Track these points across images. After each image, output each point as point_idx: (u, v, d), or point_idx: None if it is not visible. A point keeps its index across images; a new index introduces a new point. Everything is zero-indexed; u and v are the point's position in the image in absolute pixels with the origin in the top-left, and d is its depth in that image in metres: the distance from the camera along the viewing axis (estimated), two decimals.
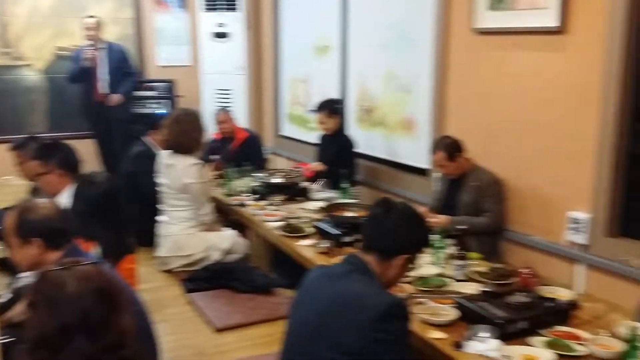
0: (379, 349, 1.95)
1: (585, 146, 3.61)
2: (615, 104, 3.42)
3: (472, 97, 4.41)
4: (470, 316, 2.60)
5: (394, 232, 2.20)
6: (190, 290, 3.91)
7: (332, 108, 5.32)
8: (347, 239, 3.68)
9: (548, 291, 2.91)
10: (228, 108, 6.34)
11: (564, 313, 2.66)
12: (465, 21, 4.34)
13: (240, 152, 5.81)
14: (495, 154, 4.24)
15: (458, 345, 2.41)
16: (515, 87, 4.07)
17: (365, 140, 5.47)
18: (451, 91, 4.61)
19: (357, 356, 1.97)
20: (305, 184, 4.99)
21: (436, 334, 2.54)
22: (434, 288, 3.02)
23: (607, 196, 3.53)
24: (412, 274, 3.15)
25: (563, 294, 2.90)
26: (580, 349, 2.39)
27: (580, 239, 3.68)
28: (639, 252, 3.39)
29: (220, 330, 3.42)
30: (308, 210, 4.41)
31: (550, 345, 2.42)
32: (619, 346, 2.29)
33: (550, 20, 3.68)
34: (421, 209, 4.23)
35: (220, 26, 7.11)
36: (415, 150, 4.95)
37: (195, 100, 7.20)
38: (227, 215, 4.78)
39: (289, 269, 3.85)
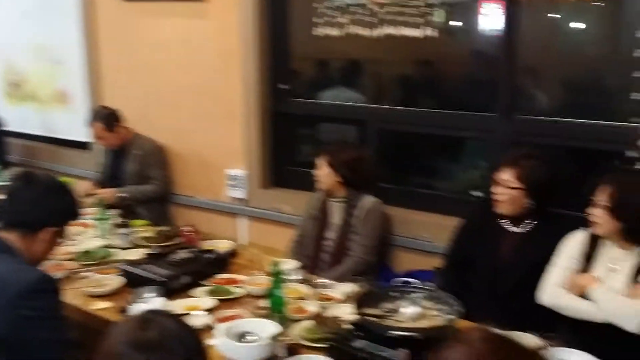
0: (28, 327, 1.84)
1: (235, 108, 3.88)
2: (255, 67, 3.73)
3: (127, 65, 4.36)
4: (135, 280, 2.61)
5: (36, 204, 2.06)
6: None
7: None
8: None
9: (209, 245, 3.09)
10: None
11: (223, 262, 2.86)
12: None
13: None
14: (155, 121, 4.28)
15: (123, 310, 2.41)
16: (167, 54, 4.14)
17: (17, 117, 5.00)
18: (104, 60, 4.48)
19: (4, 340, 1.82)
20: None
21: (101, 304, 2.50)
22: (98, 260, 2.95)
23: (258, 152, 3.86)
24: (75, 248, 3.04)
25: (223, 246, 3.11)
26: (237, 291, 2.61)
27: (239, 194, 3.98)
28: (289, 199, 3.81)
29: None
30: None
31: (211, 292, 2.59)
32: (268, 281, 2.54)
33: None
34: (86, 184, 4.09)
35: None
36: (73, 124, 4.70)
37: None
38: None
39: None
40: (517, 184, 2.64)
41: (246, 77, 3.77)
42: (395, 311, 2.18)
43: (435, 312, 2.18)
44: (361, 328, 2.07)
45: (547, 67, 3.07)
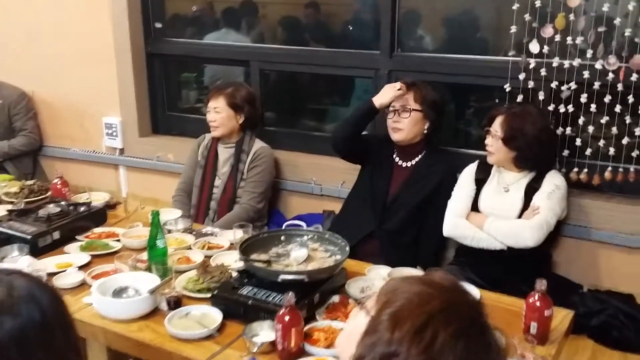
0: None
1: (107, 48, 3.57)
2: (125, 4, 3.42)
3: None
4: None
5: None
6: None
7: None
8: None
9: (84, 198, 2.86)
10: None
11: (100, 215, 2.65)
12: None
13: None
14: (16, 66, 3.88)
15: None
16: None
17: None
18: None
19: None
20: None
21: None
22: None
23: (133, 97, 3.59)
24: None
25: (99, 198, 2.89)
26: (115, 245, 2.42)
27: (116, 143, 3.72)
28: (169, 146, 3.60)
29: None
30: None
31: (86, 248, 2.39)
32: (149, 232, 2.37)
33: None
34: None
35: None
36: None
37: None
38: None
39: None
40: (417, 106, 2.66)
41: (116, 13, 3.47)
42: (283, 255, 2.11)
43: (323, 254, 2.13)
44: (248, 274, 1.98)
45: (427, 4, 3.03)
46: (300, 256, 2.05)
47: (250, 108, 3.06)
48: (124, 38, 3.50)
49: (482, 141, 2.57)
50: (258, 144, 3.10)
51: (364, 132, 2.84)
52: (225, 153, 3.11)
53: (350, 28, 3.28)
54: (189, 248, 2.40)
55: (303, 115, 3.48)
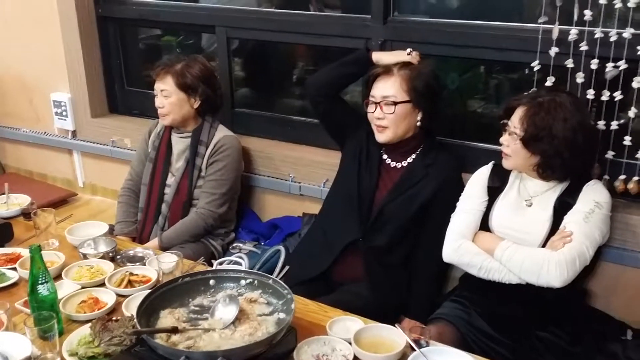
0: None
1: (51, 9, 2.97)
2: None
3: None
4: None
5: None
6: None
7: None
8: None
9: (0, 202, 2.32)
10: None
11: (4, 230, 2.10)
12: None
13: None
14: None
15: None
16: None
17: None
18: None
19: None
20: None
21: None
22: None
23: (82, 69, 3.00)
24: None
25: (16, 203, 2.34)
26: (12, 276, 1.87)
27: (67, 124, 3.15)
28: (129, 129, 3.02)
29: None
30: None
31: None
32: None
33: None
34: None
35: None
36: None
37: None
38: None
39: None
40: (403, 95, 2.04)
41: None
42: (207, 310, 1.53)
43: (263, 308, 1.54)
44: (149, 348, 1.41)
45: None
46: (227, 318, 1.46)
47: (207, 88, 2.45)
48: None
49: (500, 134, 1.92)
50: (221, 133, 2.49)
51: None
52: (180, 144, 2.52)
53: None
54: (103, 284, 1.83)
55: (280, 94, 2.84)
